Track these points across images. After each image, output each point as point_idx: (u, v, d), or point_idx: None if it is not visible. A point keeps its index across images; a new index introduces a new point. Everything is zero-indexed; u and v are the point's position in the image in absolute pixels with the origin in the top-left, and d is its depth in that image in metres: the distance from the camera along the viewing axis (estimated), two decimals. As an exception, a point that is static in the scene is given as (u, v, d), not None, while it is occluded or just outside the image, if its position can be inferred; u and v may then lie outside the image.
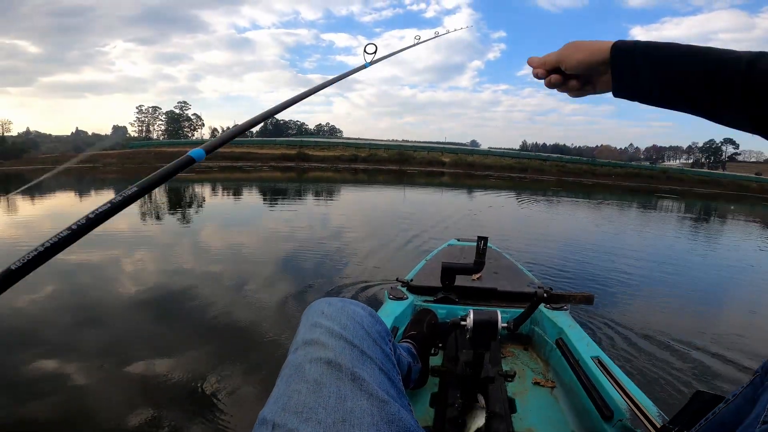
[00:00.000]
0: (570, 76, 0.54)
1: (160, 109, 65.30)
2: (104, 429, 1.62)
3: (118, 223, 5.83)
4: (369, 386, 0.45)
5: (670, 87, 0.46)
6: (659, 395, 1.90)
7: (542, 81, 0.56)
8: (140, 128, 63.20)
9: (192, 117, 65.09)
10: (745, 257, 6.14)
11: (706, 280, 4.49)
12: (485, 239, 1.44)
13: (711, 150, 70.37)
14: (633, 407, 0.86)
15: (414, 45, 1.31)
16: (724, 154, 69.75)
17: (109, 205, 0.37)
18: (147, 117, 63.70)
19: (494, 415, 0.96)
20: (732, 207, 15.95)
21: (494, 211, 9.47)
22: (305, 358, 0.48)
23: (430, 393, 1.14)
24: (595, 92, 0.54)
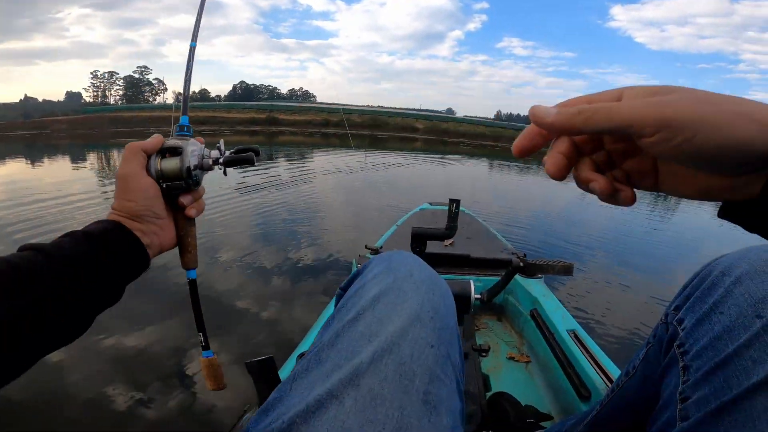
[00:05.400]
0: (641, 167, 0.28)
1: (118, 74, 64.98)
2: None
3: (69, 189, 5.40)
4: (440, 418, 0.29)
5: None
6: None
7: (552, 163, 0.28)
8: (95, 94, 63.18)
9: (153, 81, 64.99)
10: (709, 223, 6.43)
11: (682, 247, 4.58)
12: (457, 202, 1.31)
13: None
14: None
15: None
16: None
17: None
18: (103, 82, 63.72)
19: (469, 394, 0.89)
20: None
21: (465, 174, 9.47)
22: (366, 343, 0.31)
23: None
24: (666, 191, 0.28)
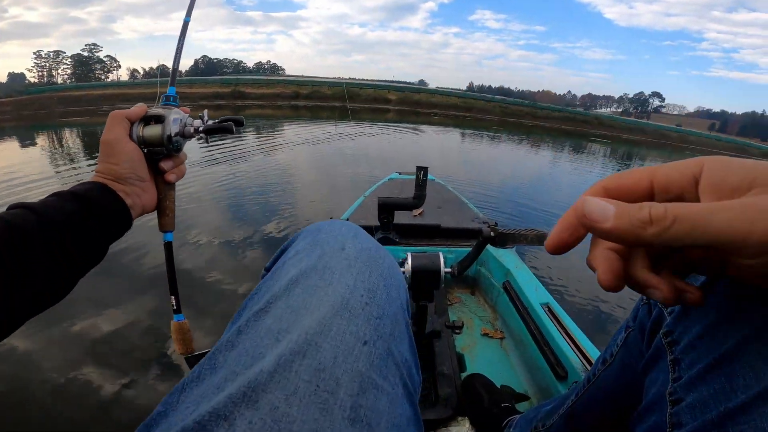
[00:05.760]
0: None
1: (65, 53, 63.39)
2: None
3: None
4: None
5: None
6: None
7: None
8: (41, 74, 61.38)
9: (105, 59, 63.53)
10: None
11: None
12: (425, 169, 1.26)
13: (639, 101, 78.57)
14: (589, 368, 0.78)
15: None
16: (650, 105, 76.78)
17: None
18: (48, 62, 61.89)
19: (443, 376, 0.87)
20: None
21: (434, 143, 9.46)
22: (272, 344, 0.24)
23: None
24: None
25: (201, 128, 0.51)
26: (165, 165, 0.50)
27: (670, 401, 0.28)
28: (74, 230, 0.38)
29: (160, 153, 0.49)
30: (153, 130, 0.48)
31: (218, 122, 0.53)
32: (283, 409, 0.21)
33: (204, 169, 4.97)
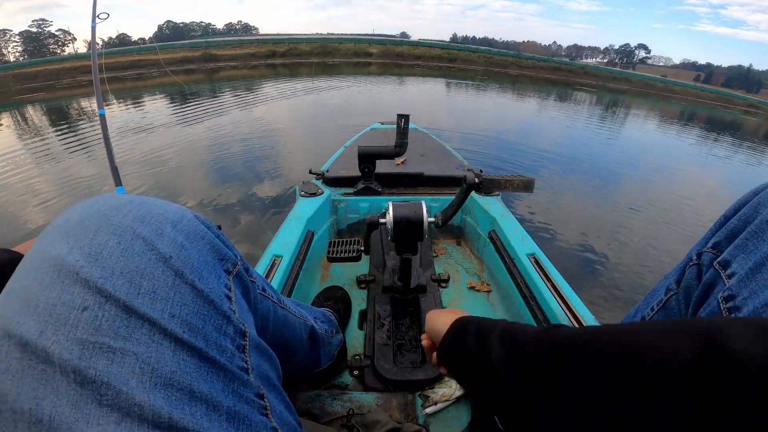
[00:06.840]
0: None
1: (11, 30, 61.29)
2: None
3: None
4: (130, 395, 0.24)
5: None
6: (599, 306, 1.76)
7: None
8: None
9: (57, 33, 60.69)
10: (653, 140, 6.59)
11: (639, 166, 4.42)
12: (406, 117, 1.21)
13: (625, 52, 78.69)
14: (576, 324, 0.74)
15: None
16: (636, 57, 76.64)
17: None
18: None
19: None
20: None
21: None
22: None
23: (359, 310, 0.99)
24: None
25: None
26: None
27: None
28: None
29: None
30: None
31: None
32: None
33: (183, 129, 4.80)
